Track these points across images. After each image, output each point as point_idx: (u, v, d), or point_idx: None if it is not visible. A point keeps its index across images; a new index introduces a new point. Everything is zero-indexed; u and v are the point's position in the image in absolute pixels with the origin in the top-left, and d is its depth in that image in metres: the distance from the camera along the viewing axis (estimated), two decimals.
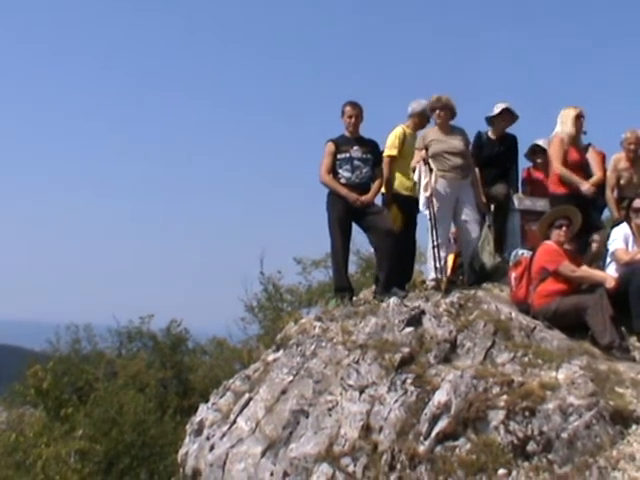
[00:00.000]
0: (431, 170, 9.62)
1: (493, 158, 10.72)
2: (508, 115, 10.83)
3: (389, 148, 10.39)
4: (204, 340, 26.01)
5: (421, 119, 10.48)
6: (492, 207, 10.77)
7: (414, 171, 9.87)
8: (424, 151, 9.73)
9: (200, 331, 26.52)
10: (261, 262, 20.69)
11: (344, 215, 9.90)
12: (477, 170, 10.41)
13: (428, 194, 9.56)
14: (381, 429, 7.32)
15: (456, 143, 9.94)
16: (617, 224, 9.49)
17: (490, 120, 10.87)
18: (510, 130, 11.04)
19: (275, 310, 20.39)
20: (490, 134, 10.90)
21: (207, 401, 9.77)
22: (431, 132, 10.02)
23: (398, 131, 10.44)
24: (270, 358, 9.31)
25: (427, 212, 9.69)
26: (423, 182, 9.61)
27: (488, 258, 10.06)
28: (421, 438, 7.08)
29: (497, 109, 10.75)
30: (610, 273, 8.84)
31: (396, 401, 7.45)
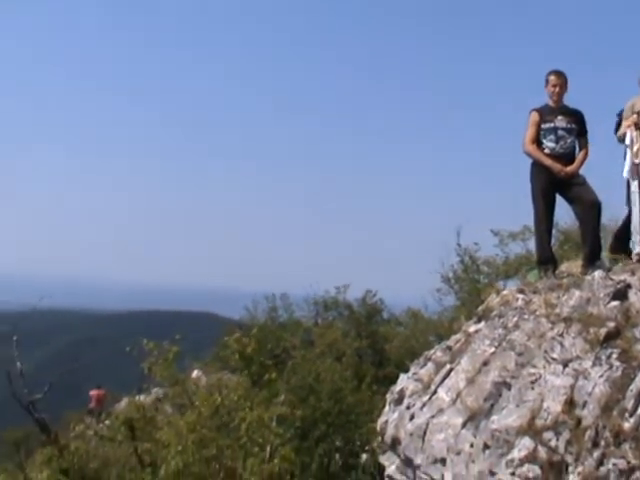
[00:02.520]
0: None
1: None
2: None
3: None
4: (398, 311, 26.17)
5: None
6: None
7: (622, 140, 9.57)
8: (635, 115, 9.37)
9: (395, 302, 26.69)
10: (458, 234, 20.60)
11: (548, 186, 9.71)
12: None
13: (638, 161, 9.22)
14: (585, 404, 7.17)
15: None
16: None
17: None
18: None
19: (471, 282, 20.25)
20: None
21: (407, 371, 9.80)
22: (639, 101, 9.68)
23: None
24: (471, 329, 9.23)
25: (635, 182, 9.35)
26: (635, 148, 9.26)
27: None
28: (626, 415, 6.90)
29: None
30: None
31: (601, 376, 7.28)
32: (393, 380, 9.97)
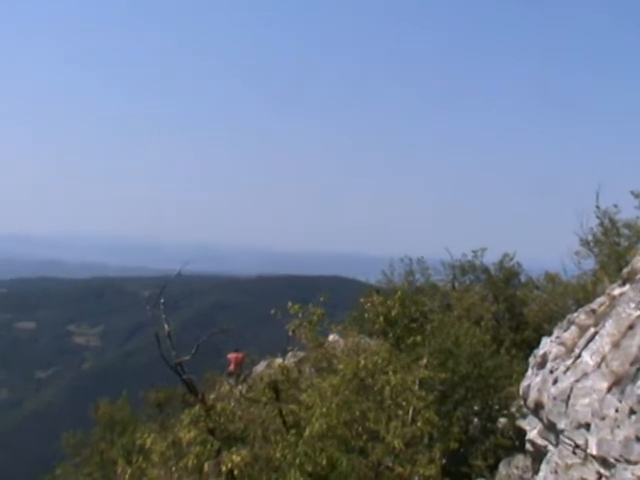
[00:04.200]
0: None
1: None
2: None
3: None
4: (536, 274, 25.85)
5: None
6: None
7: None
8: None
9: (532, 265, 26.36)
10: (597, 196, 20.12)
11: None
12: None
13: None
14: None
15: None
16: None
17: None
18: None
19: (611, 245, 19.80)
20: None
21: (547, 334, 9.74)
22: None
23: None
24: (616, 292, 9.04)
25: None
26: None
27: None
28: None
29: None
30: None
31: None
32: (531, 344, 9.91)
